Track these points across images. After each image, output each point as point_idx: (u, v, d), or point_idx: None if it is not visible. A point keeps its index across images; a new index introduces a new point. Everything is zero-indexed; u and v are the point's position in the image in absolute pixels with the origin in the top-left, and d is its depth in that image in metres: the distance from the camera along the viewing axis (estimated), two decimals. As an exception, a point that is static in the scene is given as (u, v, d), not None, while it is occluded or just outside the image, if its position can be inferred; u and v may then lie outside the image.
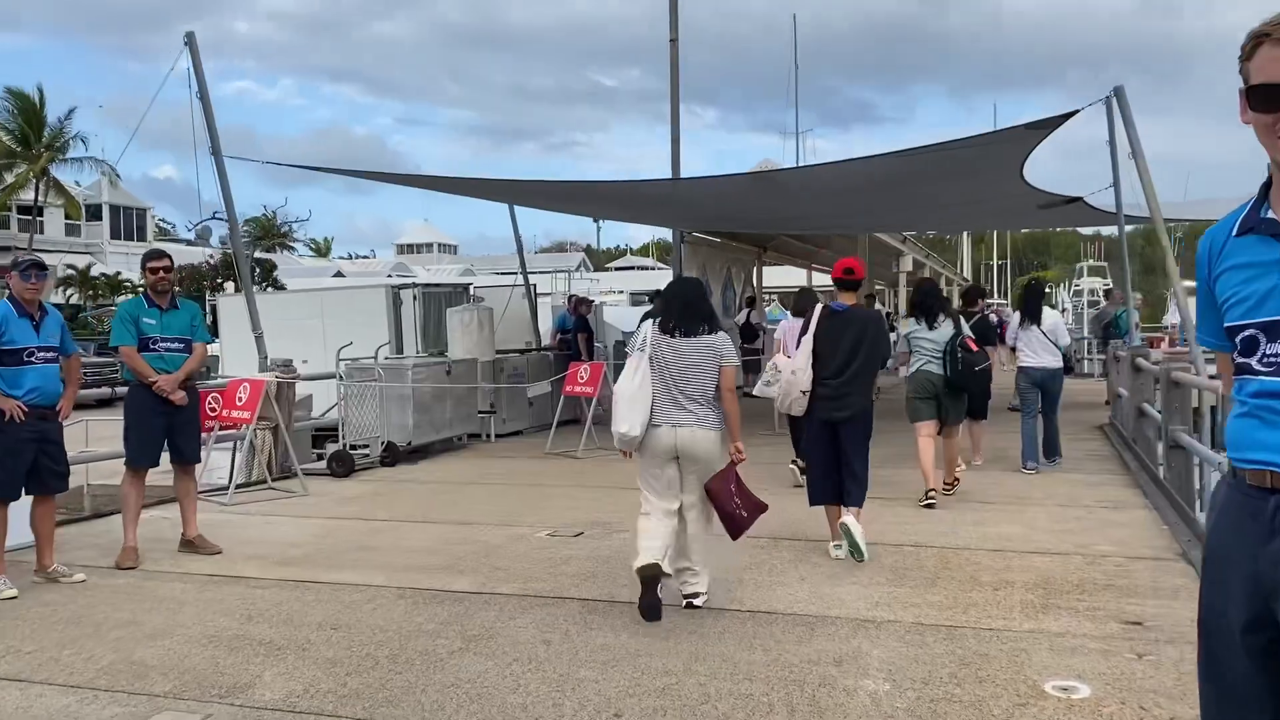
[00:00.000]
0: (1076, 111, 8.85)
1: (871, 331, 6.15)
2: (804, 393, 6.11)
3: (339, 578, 6.03)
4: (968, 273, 57.52)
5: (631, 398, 5.01)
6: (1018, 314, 9.97)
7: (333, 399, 11.51)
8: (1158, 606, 5.04)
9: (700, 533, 5.20)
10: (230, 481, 8.99)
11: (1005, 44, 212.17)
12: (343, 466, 10.08)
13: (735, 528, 5.21)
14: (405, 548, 6.84)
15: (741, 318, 19.49)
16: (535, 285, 17.21)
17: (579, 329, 14.71)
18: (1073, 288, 69.92)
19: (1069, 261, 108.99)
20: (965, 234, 53.63)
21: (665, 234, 21.28)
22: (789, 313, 11.61)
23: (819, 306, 6.49)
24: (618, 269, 75.42)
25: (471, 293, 16.97)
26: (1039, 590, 5.40)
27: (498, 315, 13.88)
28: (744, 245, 23.86)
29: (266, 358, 10.34)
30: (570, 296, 15.27)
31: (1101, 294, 53.99)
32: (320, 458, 10.81)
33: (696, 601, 5.14)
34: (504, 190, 14.05)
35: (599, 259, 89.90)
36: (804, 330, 6.35)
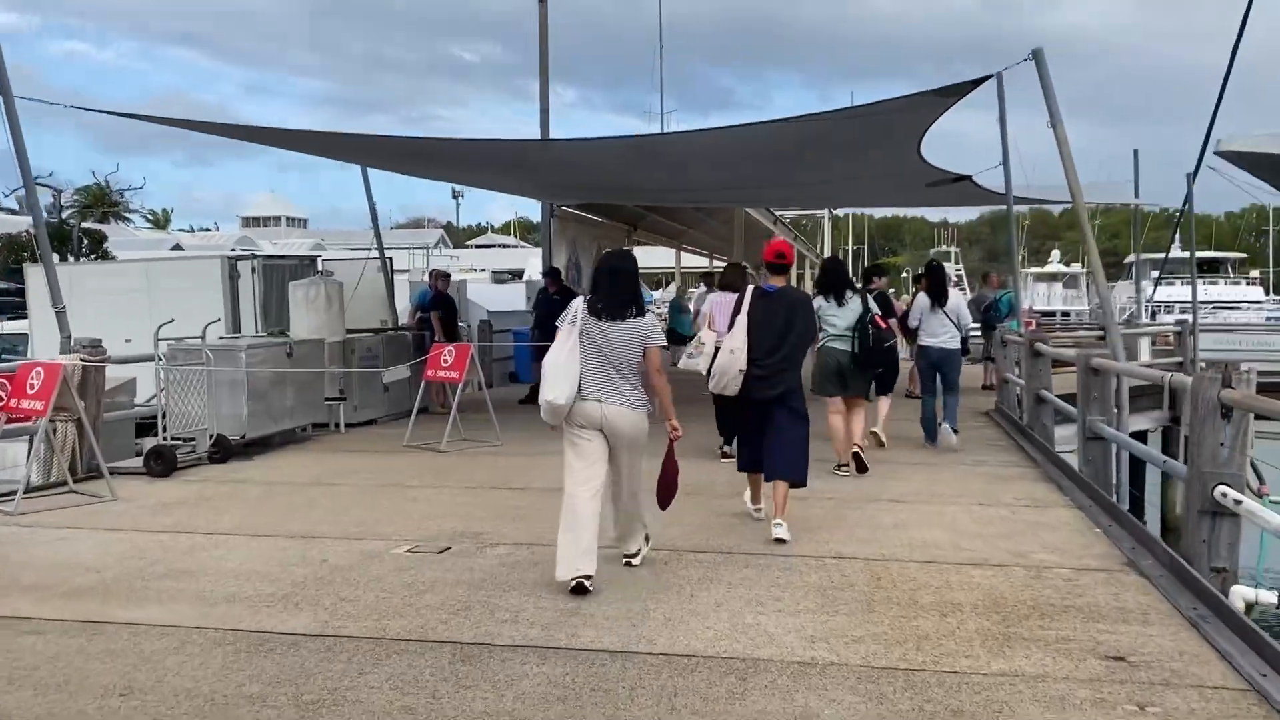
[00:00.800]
0: (990, 77, 8.23)
1: (802, 312, 6.30)
2: (740, 372, 6.10)
3: (140, 616, 4.78)
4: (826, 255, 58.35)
5: (561, 367, 5.08)
6: (921, 294, 9.85)
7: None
8: (1133, 635, 4.32)
9: (632, 503, 5.40)
10: (22, 485, 7.46)
11: (858, 36, 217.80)
12: (162, 464, 8.63)
13: (668, 498, 5.58)
14: (229, 571, 5.58)
15: None
16: (391, 259, 15.81)
17: (435, 306, 13.36)
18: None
19: (917, 248, 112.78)
20: (826, 218, 54.23)
21: (529, 212, 20.15)
22: (715, 287, 11.17)
23: (750, 288, 6.47)
24: (478, 247, 73.48)
25: (319, 266, 15.43)
26: (993, 615, 4.63)
27: (349, 290, 12.48)
28: (615, 223, 22.94)
29: (70, 337, 8.78)
30: (431, 271, 13.93)
31: (967, 277, 55.59)
32: (140, 453, 9.29)
33: (635, 561, 5.46)
34: (358, 150, 12.63)
35: (459, 237, 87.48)
36: (737, 308, 6.29)
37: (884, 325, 8.19)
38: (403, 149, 12.18)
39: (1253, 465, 10.97)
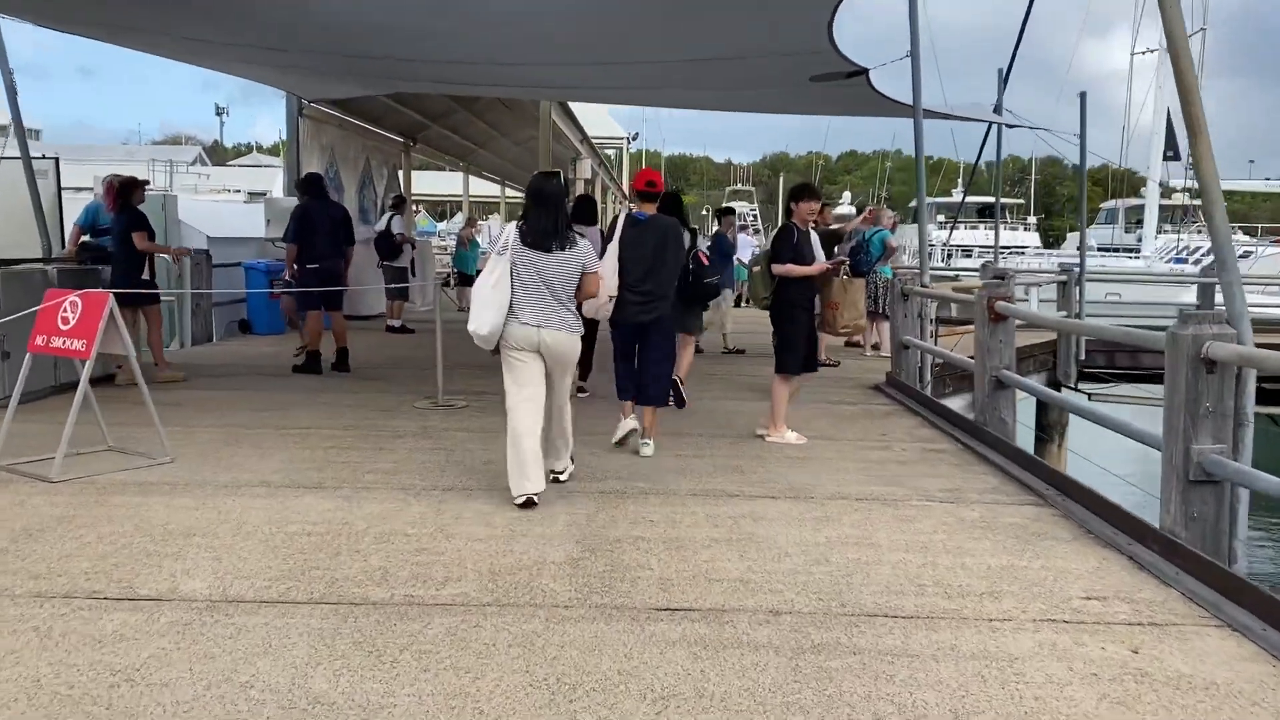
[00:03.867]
0: None
1: (673, 237, 6.37)
2: (611, 298, 6.11)
3: None
4: (625, 189, 55.00)
5: (485, 300, 5.14)
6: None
7: None
8: None
9: (559, 418, 5.50)
10: None
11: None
12: None
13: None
14: None
15: (382, 224, 14.35)
16: (59, 160, 11.03)
17: (134, 227, 8.83)
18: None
19: (706, 188, 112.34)
20: (626, 152, 50.84)
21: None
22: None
23: (623, 214, 6.54)
24: (242, 166, 65.60)
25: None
26: None
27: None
28: (386, 133, 18.56)
29: None
30: (107, 178, 9.40)
31: (844, 210, 53.47)
32: None
33: (562, 477, 5.57)
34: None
35: (225, 156, 78.69)
36: (607, 238, 6.42)
37: (705, 261, 7.75)
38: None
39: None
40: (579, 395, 8.08)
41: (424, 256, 17.57)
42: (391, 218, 14.27)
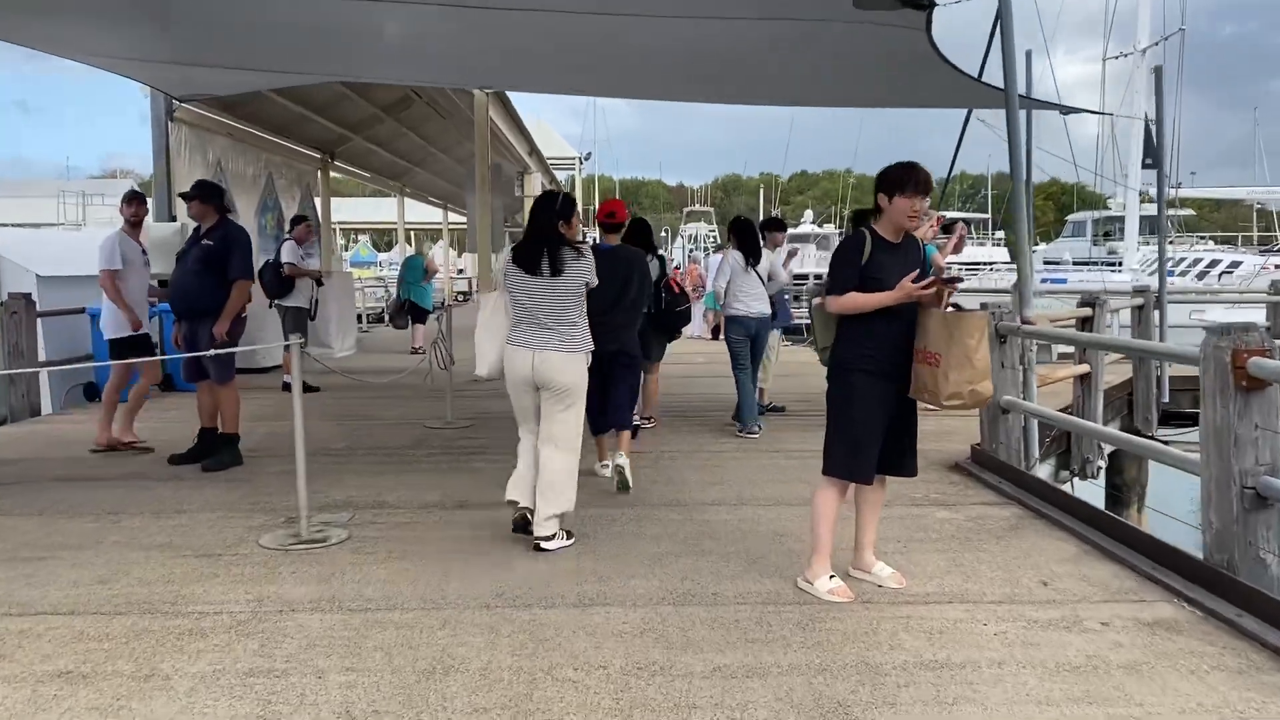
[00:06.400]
0: None
1: (638, 267, 6.19)
2: None
3: None
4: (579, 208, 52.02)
5: (482, 337, 4.98)
6: (734, 252, 8.07)
7: None
8: None
9: (555, 473, 4.79)
10: None
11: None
12: None
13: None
14: None
15: (287, 254, 11.12)
16: None
17: None
18: (681, 231, 67.84)
19: (658, 210, 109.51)
20: (579, 174, 48.00)
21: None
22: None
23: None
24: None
25: None
26: None
27: None
28: (297, 146, 15.53)
29: None
30: None
31: (807, 228, 50.43)
32: None
33: (545, 545, 4.75)
34: None
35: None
36: None
37: (677, 290, 7.75)
38: None
39: None
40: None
41: (340, 292, 14.54)
42: (282, 244, 11.17)
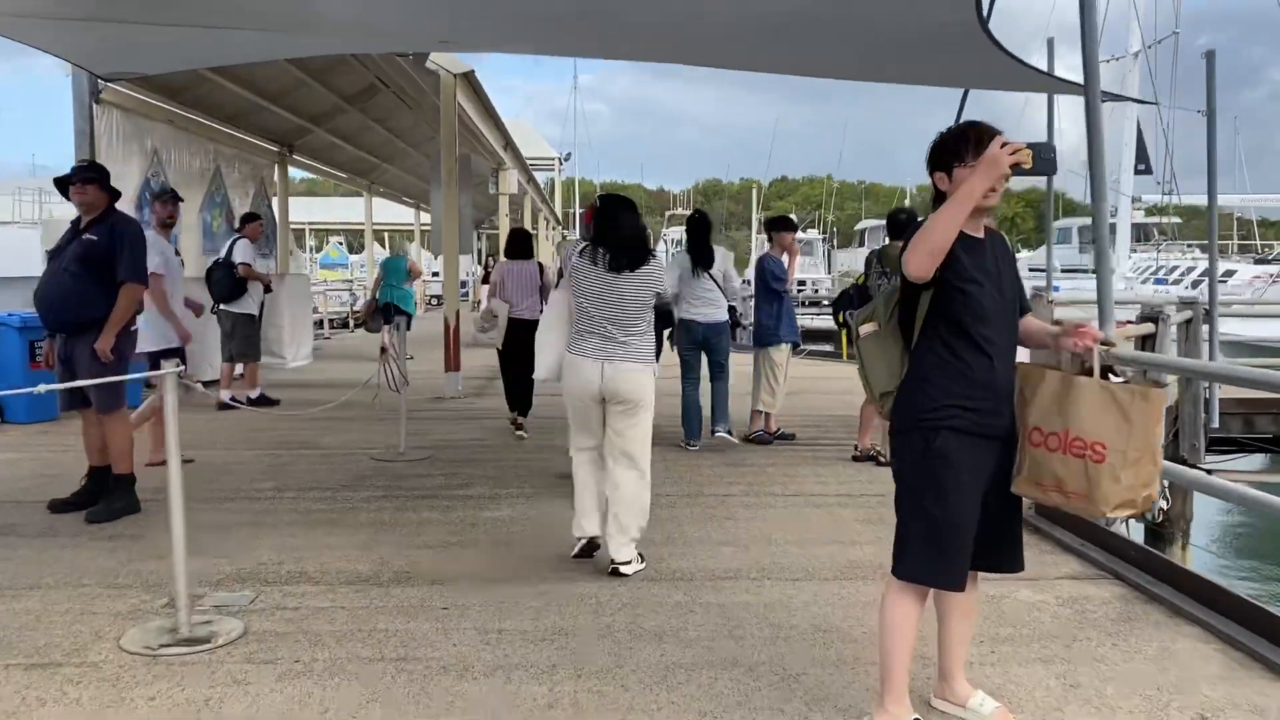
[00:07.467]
0: None
1: None
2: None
3: None
4: (559, 210, 50.76)
5: (541, 341, 4.75)
6: (682, 254, 7.71)
7: None
8: None
9: (631, 490, 4.46)
10: None
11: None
12: None
13: None
14: None
15: (241, 253, 9.71)
16: None
17: None
18: (664, 236, 66.69)
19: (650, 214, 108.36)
20: (558, 177, 46.72)
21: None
22: (502, 255, 8.77)
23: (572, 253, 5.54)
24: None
25: None
26: None
27: None
28: (250, 137, 14.19)
29: None
30: None
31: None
32: None
33: (624, 570, 4.41)
34: None
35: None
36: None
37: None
38: None
39: None
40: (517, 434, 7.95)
41: (294, 297, 13.22)
42: (234, 242, 9.84)
